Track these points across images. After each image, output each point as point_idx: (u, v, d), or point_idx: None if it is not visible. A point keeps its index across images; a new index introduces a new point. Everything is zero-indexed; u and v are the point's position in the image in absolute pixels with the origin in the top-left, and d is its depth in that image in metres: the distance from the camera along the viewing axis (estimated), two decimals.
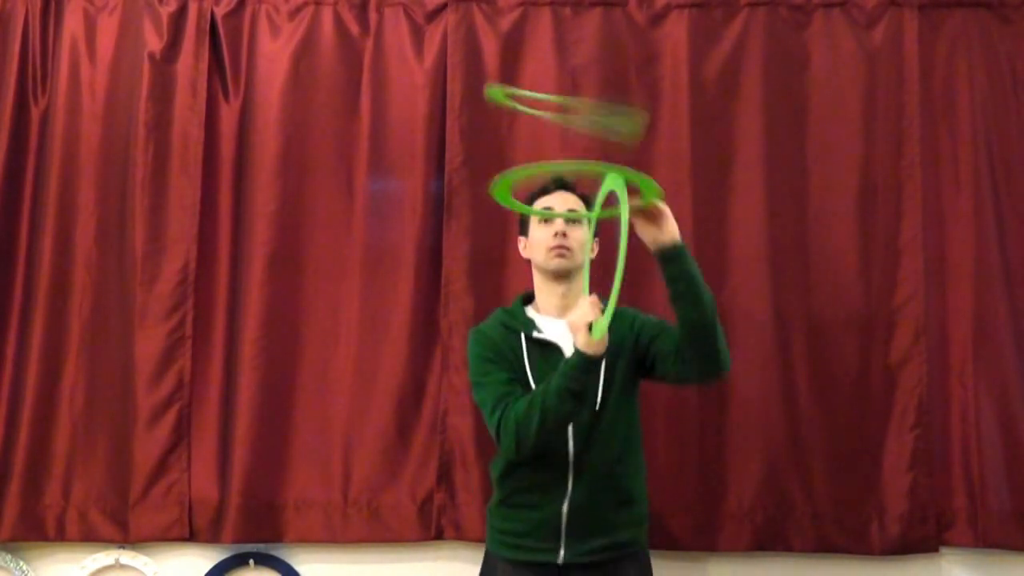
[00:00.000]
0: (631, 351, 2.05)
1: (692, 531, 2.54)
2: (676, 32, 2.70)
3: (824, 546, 2.54)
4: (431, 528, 2.56)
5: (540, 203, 2.10)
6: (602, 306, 1.83)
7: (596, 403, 1.99)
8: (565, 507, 1.98)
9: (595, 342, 1.82)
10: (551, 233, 2.04)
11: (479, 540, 2.51)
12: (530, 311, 2.13)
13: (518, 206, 2.00)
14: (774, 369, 2.58)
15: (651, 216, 1.87)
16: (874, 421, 2.58)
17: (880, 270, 2.62)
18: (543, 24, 2.71)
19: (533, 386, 2.00)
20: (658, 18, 2.72)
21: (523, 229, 2.16)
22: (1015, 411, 2.57)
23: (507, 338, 2.06)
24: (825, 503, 2.55)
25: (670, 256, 1.87)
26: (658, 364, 2.02)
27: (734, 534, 2.54)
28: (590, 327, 1.82)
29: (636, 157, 2.64)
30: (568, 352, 1.98)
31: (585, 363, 1.85)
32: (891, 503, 2.54)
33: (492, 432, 1.98)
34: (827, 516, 2.55)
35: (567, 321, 1.90)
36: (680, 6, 2.70)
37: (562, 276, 2.06)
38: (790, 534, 2.54)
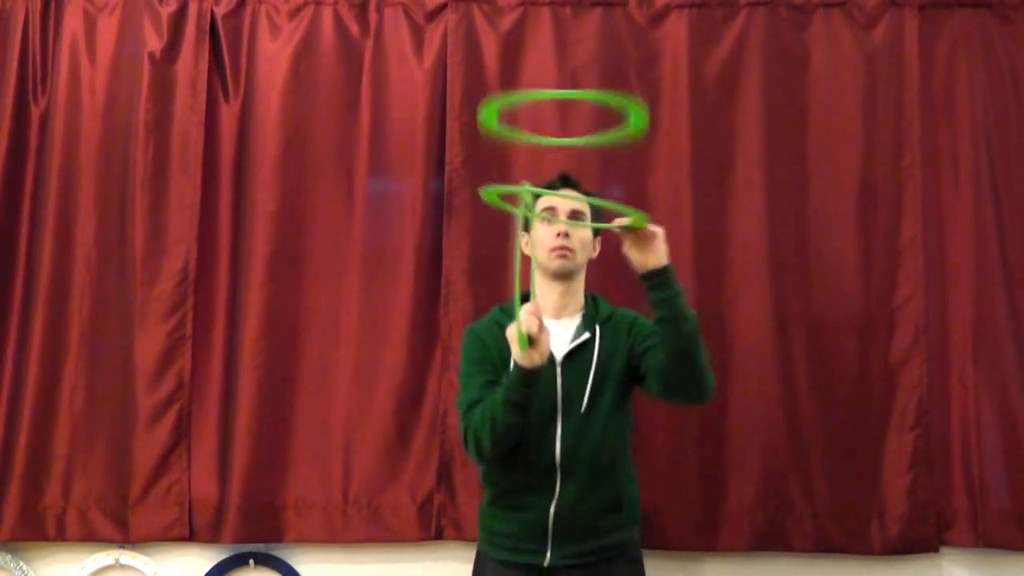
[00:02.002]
0: (626, 356, 2.04)
1: (691, 531, 2.54)
2: (676, 32, 2.70)
3: (824, 546, 2.54)
4: (431, 528, 2.56)
5: (544, 200, 2.08)
6: (543, 322, 1.78)
7: (583, 406, 1.98)
8: (552, 510, 1.97)
9: (530, 355, 1.77)
10: (553, 232, 2.03)
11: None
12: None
13: (507, 206, 1.92)
14: (774, 369, 2.58)
15: (643, 238, 1.85)
16: (874, 421, 2.58)
17: (880, 270, 2.62)
18: (543, 24, 2.71)
19: None
20: (658, 18, 2.72)
21: (526, 225, 2.15)
22: (1015, 411, 2.57)
23: (499, 339, 2.04)
24: (825, 503, 2.55)
25: (657, 280, 1.86)
26: (646, 379, 2.01)
27: (734, 534, 2.54)
28: (520, 339, 1.76)
29: (636, 157, 2.66)
30: (558, 355, 1.99)
31: (522, 376, 1.81)
32: (891, 503, 2.54)
33: (461, 437, 1.98)
34: (827, 516, 2.55)
35: (507, 332, 1.84)
36: (680, 6, 2.70)
37: (562, 276, 2.06)
38: (790, 534, 2.54)
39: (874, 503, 2.55)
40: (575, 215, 2.06)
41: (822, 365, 2.60)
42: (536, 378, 1.83)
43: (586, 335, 2.03)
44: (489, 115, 1.73)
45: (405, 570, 2.61)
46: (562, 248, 2.02)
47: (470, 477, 2.54)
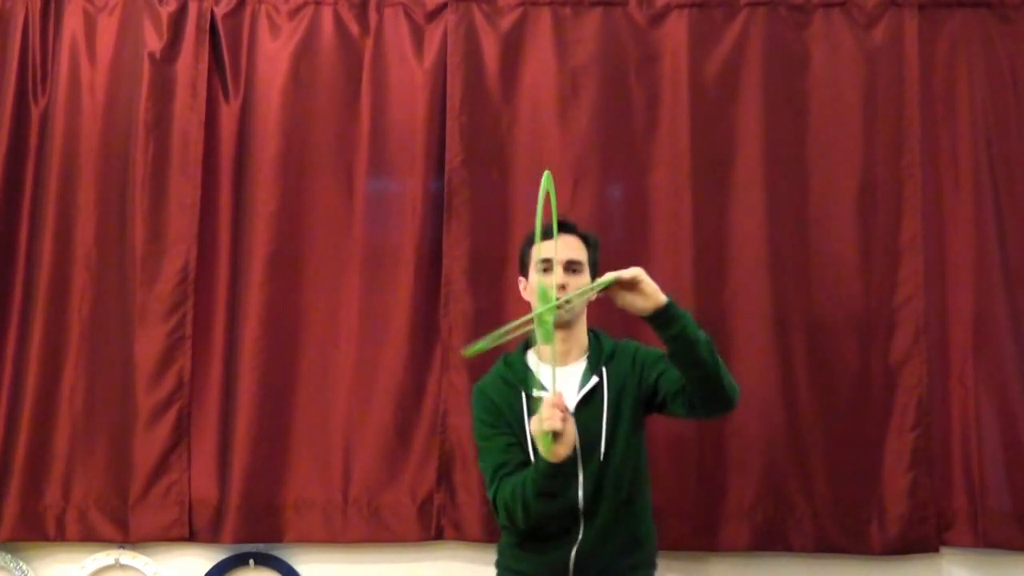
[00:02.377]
0: (635, 391, 2.03)
1: (692, 531, 2.53)
2: (676, 32, 2.69)
3: (824, 546, 2.54)
4: (431, 528, 2.56)
5: (541, 247, 2.00)
6: (567, 410, 1.76)
7: (601, 451, 1.98)
8: (574, 552, 1.98)
9: (556, 450, 1.75)
10: (550, 284, 1.96)
11: (479, 540, 2.52)
12: (531, 359, 2.10)
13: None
14: (774, 369, 2.58)
15: (628, 286, 1.82)
16: (874, 421, 2.58)
17: (880, 270, 2.62)
18: (543, 24, 2.70)
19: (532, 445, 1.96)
20: (658, 18, 2.72)
21: (524, 270, 2.13)
22: (1015, 411, 2.57)
23: (507, 396, 2.04)
24: (825, 503, 2.55)
25: (662, 320, 1.84)
26: (668, 404, 1.99)
27: (734, 534, 2.54)
28: (553, 435, 1.73)
29: (636, 157, 2.66)
30: (571, 404, 1.96)
31: (552, 470, 1.79)
32: (891, 503, 2.54)
33: (491, 504, 1.99)
34: (827, 516, 2.55)
35: (530, 429, 1.83)
36: (680, 6, 2.70)
37: (561, 324, 2.00)
38: (790, 534, 2.54)
39: (874, 503, 2.55)
40: (571, 264, 2.02)
41: (822, 365, 2.60)
42: (565, 468, 1.81)
43: (594, 379, 2.02)
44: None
45: (405, 570, 2.60)
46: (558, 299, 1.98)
47: (470, 477, 2.55)
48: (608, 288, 1.82)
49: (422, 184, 2.66)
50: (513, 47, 2.70)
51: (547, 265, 1.99)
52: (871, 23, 2.71)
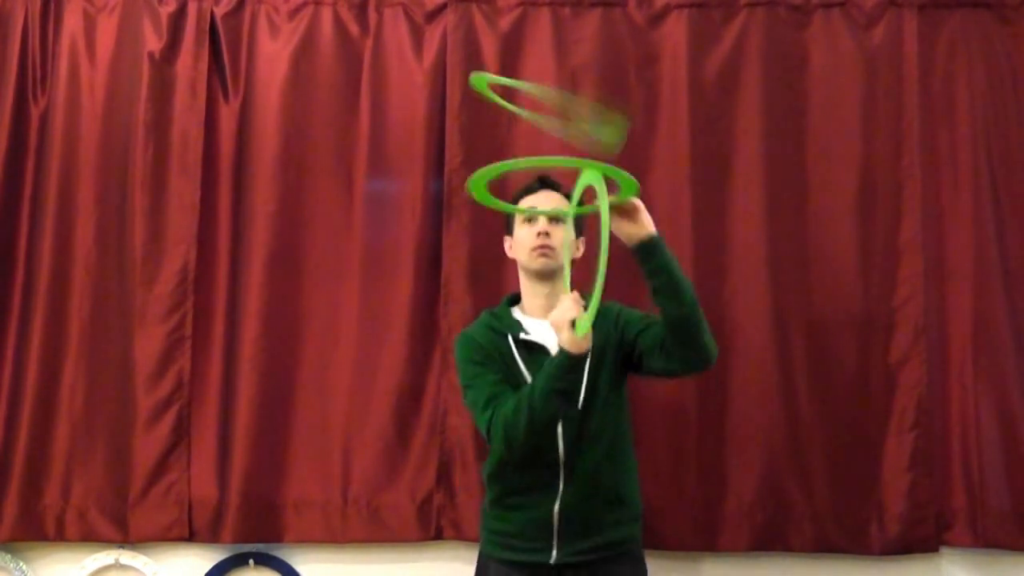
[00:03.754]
0: (616, 348, 2.05)
1: (691, 531, 2.53)
2: (676, 32, 2.69)
3: (823, 546, 2.54)
4: (430, 528, 2.56)
5: (524, 202, 2.09)
6: (584, 303, 1.80)
7: (579, 402, 1.98)
8: (556, 507, 1.98)
9: (579, 339, 1.79)
10: (534, 233, 2.04)
11: (478, 540, 2.51)
12: (516, 312, 2.12)
13: (496, 203, 1.97)
14: (774, 369, 2.58)
15: (625, 212, 1.86)
16: (874, 421, 2.58)
17: (880, 270, 2.62)
18: (542, 24, 2.71)
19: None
20: (658, 18, 2.72)
21: (508, 229, 2.17)
22: (1015, 411, 2.57)
23: (495, 341, 2.06)
24: (825, 503, 2.55)
25: (647, 250, 1.86)
26: (644, 359, 2.01)
27: (733, 534, 2.54)
28: (573, 324, 1.79)
29: (636, 157, 2.65)
30: (554, 352, 1.98)
31: (570, 362, 1.83)
32: (891, 503, 2.54)
33: (483, 432, 1.98)
34: (827, 516, 2.55)
35: (549, 319, 1.87)
36: (680, 6, 2.70)
37: (546, 276, 2.06)
38: (789, 534, 2.54)
39: (873, 503, 2.55)
40: (554, 216, 2.05)
41: (822, 365, 2.60)
42: (583, 363, 1.86)
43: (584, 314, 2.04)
44: (479, 189, 1.85)
45: (405, 570, 2.60)
46: (543, 247, 2.03)
47: (469, 477, 2.55)
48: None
49: (422, 184, 2.67)
50: (513, 47, 2.70)
51: (528, 217, 2.05)
52: (871, 23, 2.71)
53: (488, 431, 1.95)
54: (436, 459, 2.58)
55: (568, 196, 2.06)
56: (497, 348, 2.05)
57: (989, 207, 2.63)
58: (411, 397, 2.61)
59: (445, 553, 2.60)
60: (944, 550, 2.56)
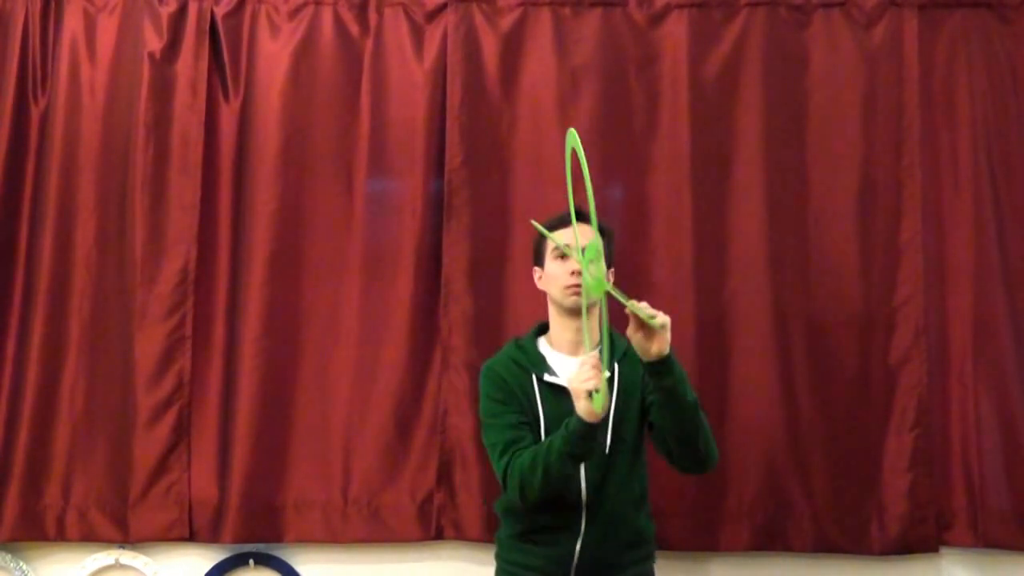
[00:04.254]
0: (640, 394, 2.04)
1: (692, 531, 2.53)
2: (676, 32, 2.69)
3: (824, 546, 2.54)
4: (431, 528, 2.56)
5: (559, 235, 2.02)
6: (604, 371, 1.78)
7: (606, 446, 1.99)
8: (577, 547, 1.99)
9: (595, 411, 1.78)
10: (567, 271, 2.01)
11: (479, 540, 2.51)
12: (543, 345, 2.11)
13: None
14: (774, 369, 2.58)
15: (647, 328, 1.81)
16: (874, 421, 2.58)
17: (880, 270, 2.62)
18: (543, 24, 2.70)
19: (543, 428, 2.00)
20: (658, 18, 2.72)
21: (538, 260, 2.14)
22: (1015, 411, 2.57)
23: (518, 377, 2.05)
24: (825, 503, 2.55)
25: (659, 369, 1.85)
26: (652, 436, 2.02)
27: (734, 534, 2.54)
28: (591, 395, 1.77)
29: (636, 157, 2.66)
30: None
31: (586, 429, 1.82)
32: (891, 503, 2.54)
33: (499, 477, 1.98)
34: (827, 516, 2.55)
35: (568, 384, 1.84)
36: (680, 6, 2.70)
37: (577, 313, 2.02)
38: (790, 534, 2.54)
39: (874, 503, 2.55)
40: (588, 254, 2.00)
41: (822, 365, 2.60)
42: (599, 431, 1.85)
43: (606, 373, 2.01)
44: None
45: (405, 570, 2.60)
46: (576, 286, 1.99)
47: (470, 477, 2.55)
48: (631, 313, 1.81)
49: (422, 184, 2.66)
50: (513, 47, 2.70)
51: (562, 252, 2.02)
52: (871, 23, 2.70)
53: (504, 479, 1.96)
54: (436, 459, 2.57)
55: (601, 230, 1.98)
56: (520, 385, 2.04)
57: (989, 207, 2.63)
58: (411, 397, 2.61)
59: (445, 553, 2.60)
60: (944, 550, 2.56)
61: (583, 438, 1.83)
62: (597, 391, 1.77)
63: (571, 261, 2.00)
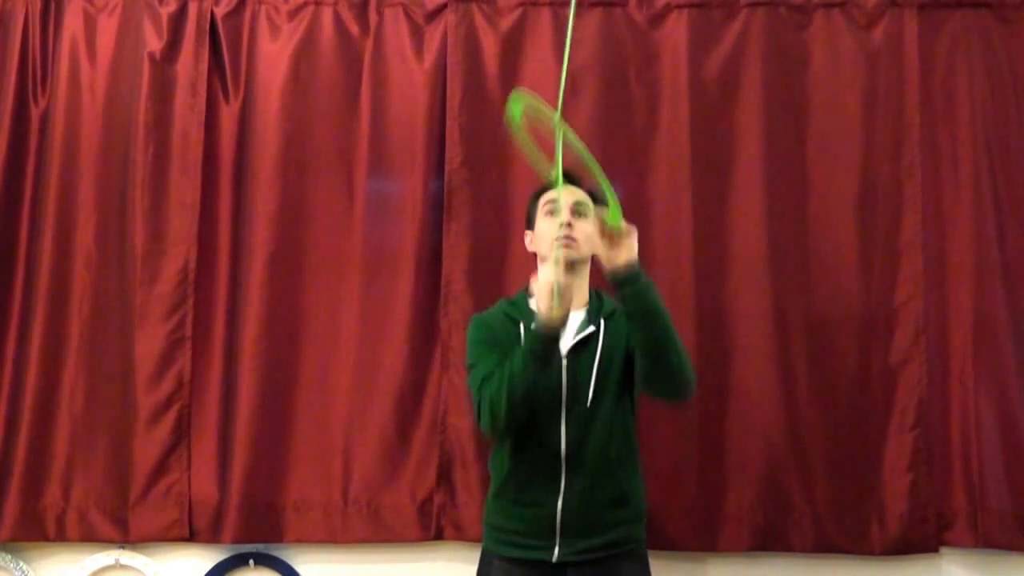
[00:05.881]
0: (624, 352, 2.05)
1: (692, 531, 2.54)
2: (676, 32, 2.70)
3: (824, 546, 2.54)
4: (431, 528, 2.56)
5: (546, 197, 2.11)
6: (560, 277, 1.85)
7: (588, 399, 2.00)
8: (559, 504, 1.99)
9: (554, 308, 1.83)
10: (557, 224, 2.04)
11: (479, 540, 2.50)
12: (532, 303, 2.12)
13: (525, 140, 1.98)
14: (774, 369, 2.58)
15: (613, 237, 1.87)
16: (874, 421, 2.58)
17: (880, 270, 2.62)
18: (543, 24, 2.71)
19: None
20: (658, 18, 2.72)
21: (529, 223, 2.18)
22: (1015, 411, 2.57)
23: (507, 326, 2.07)
24: (825, 503, 2.55)
25: (623, 278, 1.88)
26: (635, 375, 2.02)
27: (734, 534, 2.54)
28: (552, 292, 1.82)
29: (636, 157, 2.66)
30: (564, 348, 1.99)
31: (545, 328, 1.86)
32: (891, 503, 2.54)
33: (475, 411, 2.00)
34: (827, 516, 2.55)
35: (532, 284, 1.89)
36: (680, 6, 2.70)
37: (567, 268, 2.04)
38: (790, 534, 2.54)
39: (874, 503, 2.55)
40: (577, 206, 2.07)
41: (822, 365, 2.60)
42: (559, 332, 1.88)
43: (591, 328, 2.05)
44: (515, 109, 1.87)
45: (405, 570, 2.60)
46: (566, 238, 2.03)
47: (470, 477, 2.55)
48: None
49: (422, 184, 2.67)
50: (513, 47, 2.70)
51: (552, 207, 2.05)
52: (871, 23, 2.71)
53: (479, 407, 1.97)
54: (436, 459, 2.58)
55: (589, 192, 2.08)
56: (508, 335, 2.05)
57: (989, 207, 2.63)
58: (411, 397, 2.61)
59: (445, 553, 2.60)
60: (944, 550, 2.56)
61: (544, 337, 1.87)
62: (559, 289, 1.82)
63: (559, 217, 2.03)
